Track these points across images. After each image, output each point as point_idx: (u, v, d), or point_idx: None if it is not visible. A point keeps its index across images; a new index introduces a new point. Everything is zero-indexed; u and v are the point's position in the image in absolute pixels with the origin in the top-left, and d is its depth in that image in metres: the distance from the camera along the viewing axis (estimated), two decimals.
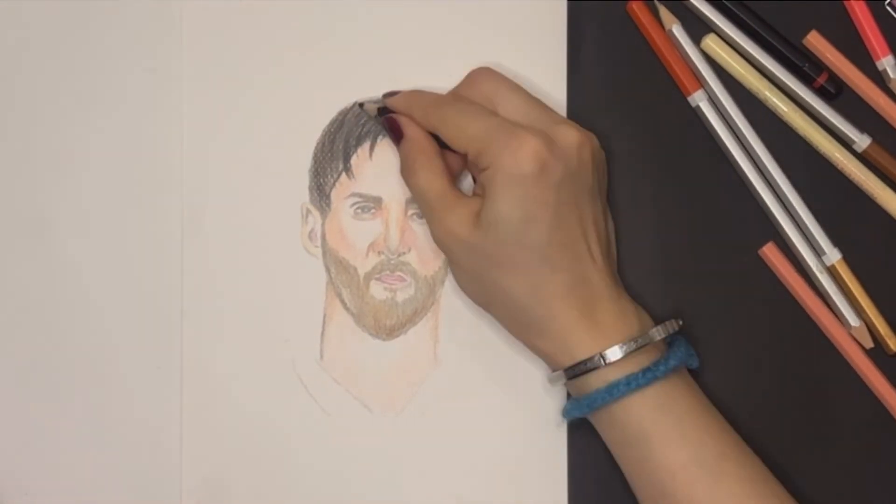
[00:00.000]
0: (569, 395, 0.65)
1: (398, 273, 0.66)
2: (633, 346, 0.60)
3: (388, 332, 0.67)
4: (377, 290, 0.67)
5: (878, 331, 0.66)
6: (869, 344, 0.66)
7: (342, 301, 0.66)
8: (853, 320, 0.66)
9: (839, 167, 0.66)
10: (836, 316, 0.66)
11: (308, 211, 0.67)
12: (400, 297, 0.67)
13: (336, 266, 0.67)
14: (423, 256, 0.66)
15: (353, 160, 0.66)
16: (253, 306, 0.66)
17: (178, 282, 0.66)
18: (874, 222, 0.67)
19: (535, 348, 0.63)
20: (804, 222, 0.66)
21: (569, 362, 0.61)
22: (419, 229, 0.66)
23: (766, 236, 0.67)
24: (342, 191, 0.67)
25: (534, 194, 0.59)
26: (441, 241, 0.62)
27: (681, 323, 0.63)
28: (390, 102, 0.65)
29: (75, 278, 0.66)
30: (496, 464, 0.67)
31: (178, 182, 0.67)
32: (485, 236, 0.60)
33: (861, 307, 0.66)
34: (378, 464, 0.67)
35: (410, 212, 0.66)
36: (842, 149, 0.66)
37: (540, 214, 0.60)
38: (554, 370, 0.62)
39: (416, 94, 0.64)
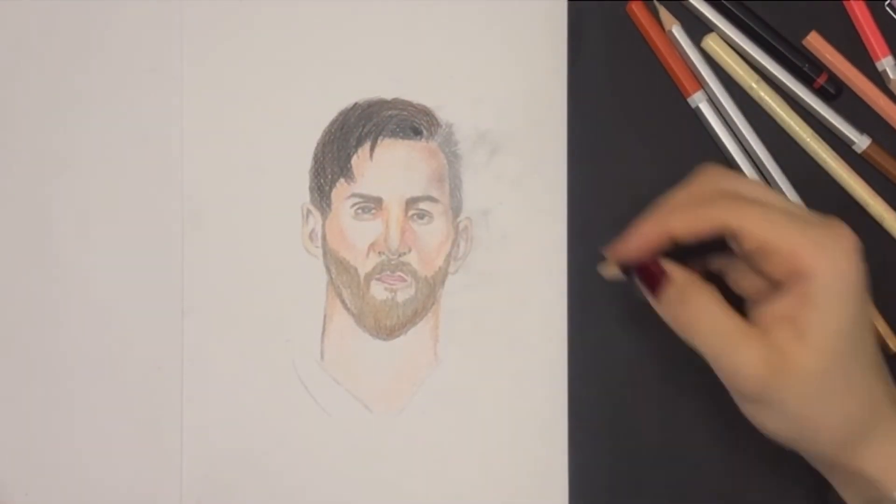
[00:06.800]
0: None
1: (398, 273, 0.67)
2: None
3: (389, 332, 0.67)
4: (377, 291, 0.67)
5: (877, 331, 0.66)
6: None
7: (343, 301, 0.67)
8: None
9: (832, 174, 0.66)
10: None
11: (308, 211, 0.67)
12: (400, 297, 0.67)
13: (336, 266, 0.67)
14: (424, 257, 0.66)
15: (354, 161, 0.66)
16: (253, 306, 0.66)
17: (178, 282, 0.66)
18: (874, 222, 0.67)
19: (858, 477, 0.55)
20: None
21: None
22: (419, 229, 0.66)
23: None
24: (342, 191, 0.67)
25: (865, 299, 0.54)
26: (759, 380, 0.54)
27: None
28: (633, 241, 0.56)
29: (76, 278, 0.66)
30: (496, 464, 0.67)
31: (178, 182, 0.67)
32: (822, 355, 0.53)
33: None
34: (378, 464, 0.67)
35: (411, 212, 0.66)
36: (836, 157, 0.66)
37: (869, 323, 0.55)
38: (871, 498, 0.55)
39: (662, 212, 0.57)
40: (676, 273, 0.56)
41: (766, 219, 0.54)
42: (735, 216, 0.54)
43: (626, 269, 0.57)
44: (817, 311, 0.53)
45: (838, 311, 0.53)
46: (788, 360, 0.53)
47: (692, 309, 0.55)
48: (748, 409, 0.56)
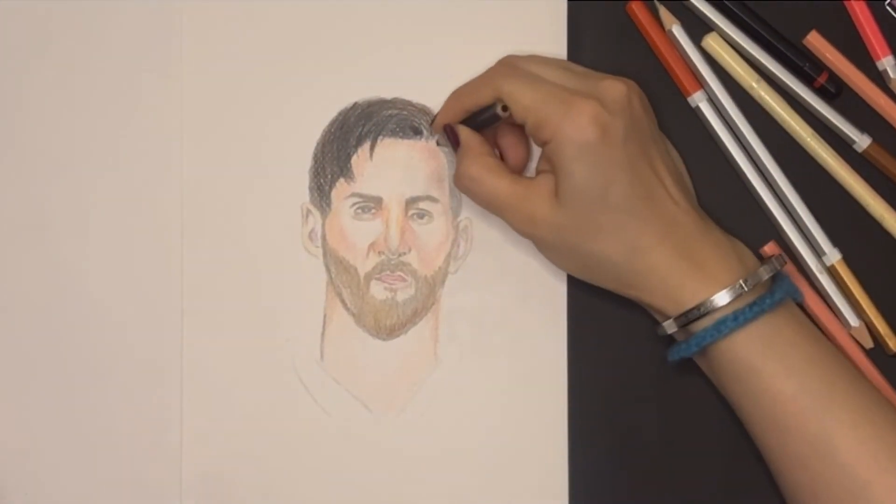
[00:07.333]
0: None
1: (398, 273, 0.67)
2: (740, 289, 0.60)
3: (389, 331, 0.67)
4: (377, 290, 0.67)
5: (878, 331, 0.66)
6: (869, 344, 0.66)
7: (342, 301, 0.67)
8: (853, 320, 0.66)
9: (832, 174, 0.66)
10: (836, 316, 0.66)
11: (308, 211, 0.67)
12: (400, 296, 0.67)
13: (336, 266, 0.67)
14: (424, 256, 0.66)
15: (354, 160, 0.66)
16: (253, 306, 0.66)
17: (178, 282, 0.66)
18: (874, 222, 0.67)
19: (640, 302, 0.63)
20: (804, 222, 0.66)
21: (677, 311, 0.61)
22: (419, 229, 0.66)
23: (766, 236, 0.67)
24: (342, 191, 0.67)
25: (605, 157, 0.60)
26: (525, 230, 0.63)
27: (786, 261, 0.64)
28: (439, 118, 0.65)
29: (75, 278, 0.66)
30: (496, 463, 0.67)
31: (178, 182, 0.67)
32: (568, 211, 0.61)
33: (861, 307, 0.66)
34: (378, 464, 0.67)
35: (411, 212, 0.66)
36: (837, 156, 0.66)
37: (615, 175, 0.60)
38: (662, 319, 0.62)
39: (457, 90, 0.65)
40: (463, 136, 0.64)
41: (530, 88, 0.61)
42: (506, 83, 0.62)
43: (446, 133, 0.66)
44: (560, 173, 0.60)
45: (576, 172, 0.60)
46: (545, 215, 0.61)
47: (473, 171, 0.63)
48: (544, 254, 0.64)
